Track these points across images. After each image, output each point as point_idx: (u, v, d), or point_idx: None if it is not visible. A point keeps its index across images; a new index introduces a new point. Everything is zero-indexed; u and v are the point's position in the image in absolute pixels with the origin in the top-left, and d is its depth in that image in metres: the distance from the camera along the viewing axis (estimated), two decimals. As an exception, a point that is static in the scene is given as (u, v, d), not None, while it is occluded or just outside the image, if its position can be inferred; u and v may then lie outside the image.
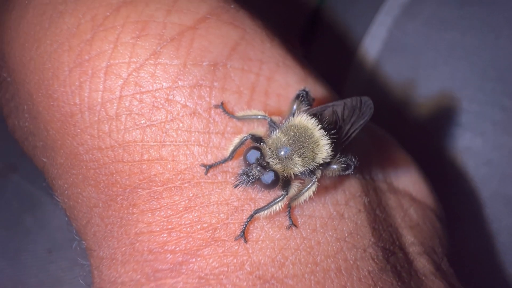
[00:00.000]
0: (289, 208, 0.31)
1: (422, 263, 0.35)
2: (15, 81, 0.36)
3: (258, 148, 0.31)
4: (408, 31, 0.59)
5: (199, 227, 0.29)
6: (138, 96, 0.31)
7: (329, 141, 0.32)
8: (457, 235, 0.43)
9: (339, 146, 0.33)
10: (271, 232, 0.30)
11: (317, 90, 0.36)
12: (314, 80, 0.36)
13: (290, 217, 0.30)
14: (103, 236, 0.32)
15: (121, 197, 0.31)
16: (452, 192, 0.51)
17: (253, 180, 0.30)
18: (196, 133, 0.31)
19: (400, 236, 0.36)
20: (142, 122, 0.31)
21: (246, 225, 0.29)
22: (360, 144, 0.38)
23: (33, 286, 0.60)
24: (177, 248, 0.29)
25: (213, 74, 0.32)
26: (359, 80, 0.61)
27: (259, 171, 0.30)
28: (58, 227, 0.62)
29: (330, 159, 0.32)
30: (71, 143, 0.33)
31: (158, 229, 0.30)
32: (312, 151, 0.32)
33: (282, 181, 0.31)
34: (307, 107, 0.33)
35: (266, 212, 0.30)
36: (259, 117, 0.32)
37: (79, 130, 0.32)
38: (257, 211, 0.30)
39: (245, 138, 0.31)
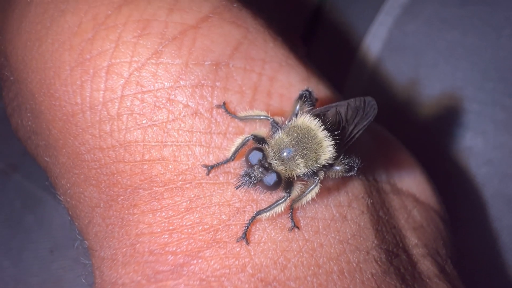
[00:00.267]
0: (291, 209, 0.30)
1: (426, 265, 0.35)
2: (17, 80, 0.36)
3: (260, 149, 0.31)
4: (408, 31, 0.59)
5: (200, 228, 0.29)
6: (139, 95, 0.31)
7: (332, 142, 0.32)
8: (458, 235, 0.43)
9: (342, 147, 0.32)
10: (273, 234, 0.30)
11: (320, 90, 0.36)
12: (317, 80, 0.36)
13: (292, 219, 0.30)
14: (104, 236, 0.32)
15: (122, 197, 0.31)
16: (452, 192, 0.51)
17: (255, 182, 0.30)
18: (198, 133, 0.31)
19: (404, 238, 0.35)
20: (144, 122, 0.31)
21: (248, 226, 0.29)
22: (364, 145, 0.37)
23: (35, 285, 0.60)
24: (178, 250, 0.29)
25: (215, 74, 0.32)
26: (359, 80, 0.61)
27: (261, 172, 0.30)
28: (59, 226, 0.62)
29: (333, 160, 0.32)
30: (72, 142, 0.32)
31: (159, 230, 0.29)
32: (315, 153, 0.31)
33: (285, 183, 0.31)
34: (310, 108, 0.33)
35: (268, 213, 0.30)
36: (262, 117, 0.32)
37: (80, 130, 0.32)
38: (259, 212, 0.30)
39: (247, 138, 0.31)
